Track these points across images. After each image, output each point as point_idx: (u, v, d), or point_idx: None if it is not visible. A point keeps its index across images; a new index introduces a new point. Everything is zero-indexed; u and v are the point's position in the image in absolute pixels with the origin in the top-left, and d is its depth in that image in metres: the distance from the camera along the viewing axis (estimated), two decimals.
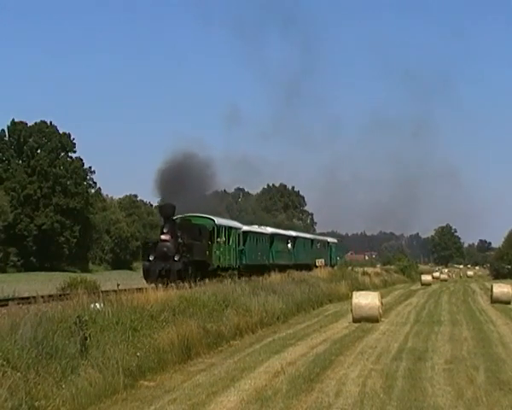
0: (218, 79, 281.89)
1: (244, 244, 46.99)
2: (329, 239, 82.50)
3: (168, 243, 35.11)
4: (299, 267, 55.01)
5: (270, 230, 57.33)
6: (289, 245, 59.73)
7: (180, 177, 40.89)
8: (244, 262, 46.42)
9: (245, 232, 48.22)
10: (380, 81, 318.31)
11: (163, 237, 35.45)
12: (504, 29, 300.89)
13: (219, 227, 41.89)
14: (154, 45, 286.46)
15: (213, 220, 41.37)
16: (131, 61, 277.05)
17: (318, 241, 74.17)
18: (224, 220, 46.12)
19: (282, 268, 49.59)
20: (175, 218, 38.08)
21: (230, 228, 44.48)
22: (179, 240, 35.45)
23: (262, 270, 46.45)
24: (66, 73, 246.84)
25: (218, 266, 40.32)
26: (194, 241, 37.10)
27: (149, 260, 34.97)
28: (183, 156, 44.26)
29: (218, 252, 40.70)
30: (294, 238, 62.13)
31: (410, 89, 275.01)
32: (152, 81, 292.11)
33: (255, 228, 54.18)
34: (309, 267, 58.50)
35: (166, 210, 36.48)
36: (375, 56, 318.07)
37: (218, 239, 41.26)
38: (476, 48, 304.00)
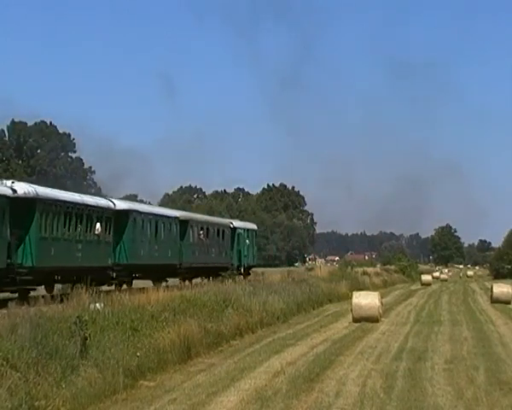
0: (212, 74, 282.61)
1: None
2: (237, 223, 52.28)
3: None
4: (150, 272, 35.73)
5: (23, 187, 27.05)
6: (98, 227, 31.51)
7: None
8: None
9: None
10: (379, 75, 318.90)
11: None
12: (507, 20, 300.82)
13: None
14: (148, 40, 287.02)
15: None
16: (128, 56, 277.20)
17: (203, 224, 44.94)
18: None
19: (74, 275, 28.99)
20: None
21: None
22: None
23: None
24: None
25: None
26: None
27: None
28: None
29: None
30: (125, 214, 34.05)
31: (410, 83, 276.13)
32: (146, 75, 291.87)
33: None
34: (174, 272, 38.56)
35: None
36: (374, 51, 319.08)
37: None
38: (478, 39, 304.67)
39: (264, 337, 24.16)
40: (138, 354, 16.75)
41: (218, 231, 47.01)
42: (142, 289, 25.52)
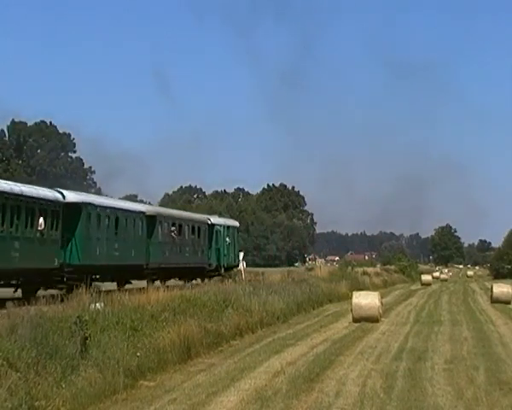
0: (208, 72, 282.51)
1: None
2: (215, 220, 48.07)
3: None
4: (109, 273, 32.20)
5: None
6: (41, 222, 27.54)
7: None
8: None
9: None
10: (379, 75, 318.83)
11: None
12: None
13: None
14: (148, 40, 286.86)
15: None
16: (128, 56, 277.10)
17: (175, 219, 40.96)
18: None
19: (12, 278, 26.97)
20: None
21: None
22: None
23: None
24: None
25: None
26: None
27: None
28: None
29: None
30: (77, 207, 30.31)
31: (410, 83, 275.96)
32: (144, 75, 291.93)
33: None
34: (140, 274, 34.77)
35: None
36: (374, 51, 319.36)
37: None
38: (478, 39, 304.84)
39: (264, 337, 24.16)
40: (138, 354, 16.75)
41: (193, 227, 42.72)
42: (141, 289, 25.50)
